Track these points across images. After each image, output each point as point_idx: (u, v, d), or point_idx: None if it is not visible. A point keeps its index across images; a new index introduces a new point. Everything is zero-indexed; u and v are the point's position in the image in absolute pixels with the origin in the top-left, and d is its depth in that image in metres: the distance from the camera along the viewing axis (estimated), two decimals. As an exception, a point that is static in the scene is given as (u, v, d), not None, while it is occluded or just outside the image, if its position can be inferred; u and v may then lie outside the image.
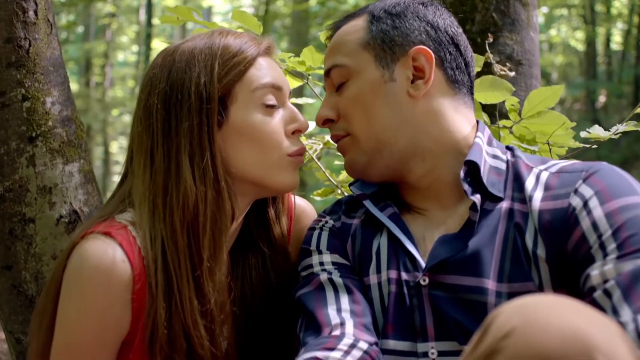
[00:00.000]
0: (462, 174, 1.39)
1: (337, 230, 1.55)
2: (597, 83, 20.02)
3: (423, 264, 1.38)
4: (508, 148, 1.50)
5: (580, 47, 21.24)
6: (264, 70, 1.49)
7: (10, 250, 1.80)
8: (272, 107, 1.48)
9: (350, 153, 1.49)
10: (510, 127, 1.93)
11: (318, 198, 2.25)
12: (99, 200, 1.94)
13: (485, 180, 1.39)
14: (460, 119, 1.46)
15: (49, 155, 1.81)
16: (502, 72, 1.95)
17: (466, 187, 1.38)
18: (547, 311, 0.91)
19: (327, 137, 2.15)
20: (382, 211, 1.47)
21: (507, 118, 1.98)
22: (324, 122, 1.51)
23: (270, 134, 1.47)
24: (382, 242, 1.46)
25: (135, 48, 21.77)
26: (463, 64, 1.49)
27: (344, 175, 2.21)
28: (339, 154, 1.54)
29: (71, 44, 19.91)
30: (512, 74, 1.96)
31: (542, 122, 1.87)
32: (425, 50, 1.43)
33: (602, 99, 20.39)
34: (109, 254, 1.34)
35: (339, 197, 2.16)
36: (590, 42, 19.78)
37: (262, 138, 1.46)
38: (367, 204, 1.49)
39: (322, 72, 2.09)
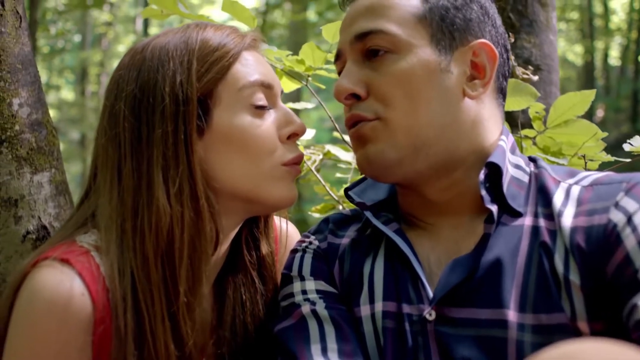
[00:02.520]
0: (481, 176, 1.21)
1: (323, 252, 1.37)
2: (595, 97, 20.11)
3: (430, 294, 1.19)
4: (531, 159, 1.33)
5: (579, 61, 21.36)
6: (251, 66, 1.31)
7: (-31, 270, 1.73)
8: (262, 108, 1.30)
9: (377, 143, 1.24)
10: (534, 138, 1.75)
11: (317, 215, 2.06)
12: None
13: (505, 190, 1.22)
14: (496, 130, 1.30)
15: (15, 164, 1.67)
16: (525, 76, 1.77)
17: (484, 192, 1.20)
18: None
19: (328, 147, 1.98)
20: (386, 226, 1.29)
21: (527, 128, 1.80)
22: (347, 98, 1.27)
23: (261, 139, 1.28)
24: (377, 265, 1.28)
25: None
26: (508, 72, 1.34)
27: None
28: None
29: (68, 52, 19.97)
30: (536, 77, 1.78)
31: (569, 132, 1.70)
32: (490, 47, 1.25)
33: (600, 113, 20.51)
34: (65, 286, 1.15)
35: (341, 213, 1.98)
36: (588, 57, 19.90)
37: (251, 145, 1.27)
38: (369, 215, 1.31)
39: (323, 72, 1.93)
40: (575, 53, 21.34)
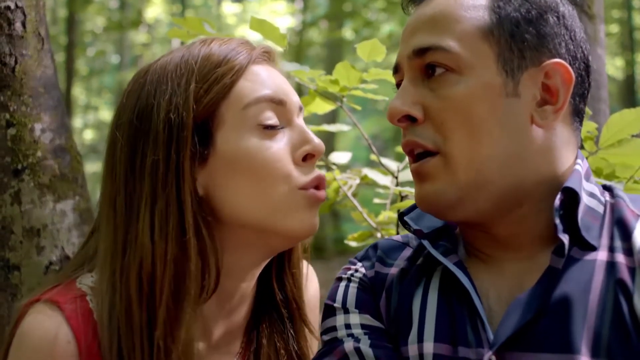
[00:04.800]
0: (556, 202, 1.08)
1: (369, 282, 1.26)
2: (637, 112, 19.86)
3: (491, 336, 1.07)
4: (605, 187, 1.20)
5: (620, 75, 21.09)
6: (259, 82, 1.20)
7: (-9, 303, 1.63)
8: (272, 127, 1.19)
9: (436, 182, 1.12)
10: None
11: (354, 243, 1.96)
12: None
13: (579, 220, 1.09)
14: (571, 156, 1.17)
15: (37, 192, 1.66)
16: (574, 93, 1.65)
17: (558, 221, 1.07)
18: None
19: (365, 171, 1.88)
20: (445, 257, 1.17)
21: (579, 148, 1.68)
22: (400, 120, 1.14)
23: (271, 163, 1.16)
24: (429, 299, 1.16)
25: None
26: (587, 91, 1.20)
27: (384, 215, 1.92)
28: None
29: (106, 73, 20.23)
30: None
31: (624, 153, 1.58)
32: (566, 68, 1.12)
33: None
34: (50, 333, 1.11)
35: (379, 241, 1.88)
36: (629, 70, 19.63)
37: (260, 169, 1.16)
38: (427, 245, 1.19)
39: (359, 92, 1.84)
40: (615, 67, 21.07)
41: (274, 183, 1.16)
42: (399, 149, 1.29)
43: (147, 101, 1.17)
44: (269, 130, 1.18)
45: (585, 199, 1.11)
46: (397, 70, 1.18)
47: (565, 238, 1.05)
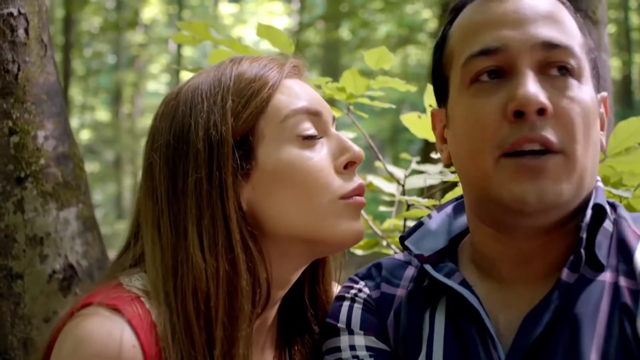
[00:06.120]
0: (587, 218, 1.08)
1: (374, 303, 1.25)
2: (632, 112, 19.88)
3: (502, 356, 1.06)
4: (609, 204, 1.18)
5: (616, 75, 21.13)
6: (294, 94, 1.22)
7: (-6, 312, 1.63)
8: (311, 138, 1.20)
9: (557, 182, 1.06)
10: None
11: (359, 252, 1.95)
12: (101, 251, 1.78)
13: (597, 238, 1.09)
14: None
15: (40, 199, 1.66)
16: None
17: (584, 235, 1.06)
18: None
19: (369, 178, 1.86)
20: (449, 277, 1.16)
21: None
22: (535, 112, 1.06)
23: (314, 172, 1.18)
24: (437, 322, 1.15)
25: (166, 77, 21.99)
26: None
27: (389, 223, 1.91)
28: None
29: (103, 73, 20.24)
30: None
31: (631, 160, 1.57)
32: (607, 102, 1.18)
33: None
34: (115, 337, 1.06)
35: (385, 250, 1.87)
36: (626, 70, 19.69)
37: (303, 180, 1.17)
38: (428, 268, 1.18)
39: (365, 100, 1.83)
40: (612, 67, 21.16)
41: (317, 193, 1.17)
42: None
43: (183, 121, 1.17)
44: (309, 140, 1.19)
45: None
46: (497, 51, 1.09)
47: (582, 255, 1.05)
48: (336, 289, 1.37)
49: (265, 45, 1.76)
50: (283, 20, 18.50)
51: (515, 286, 1.14)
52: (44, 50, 1.67)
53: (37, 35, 1.65)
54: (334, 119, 1.28)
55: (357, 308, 1.25)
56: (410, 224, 1.91)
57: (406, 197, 1.68)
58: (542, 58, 1.07)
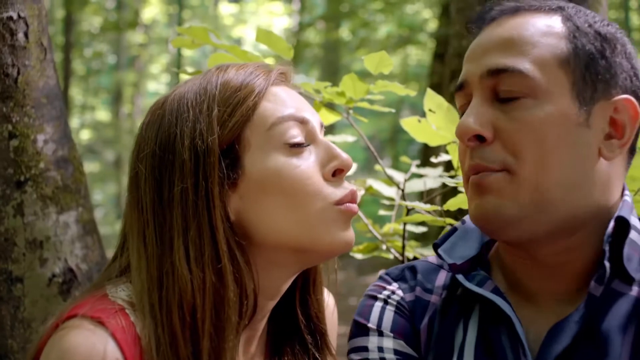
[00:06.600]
0: (609, 230, 1.08)
1: (408, 307, 1.25)
2: None
3: None
4: None
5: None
6: (280, 102, 1.20)
7: (-6, 315, 1.64)
8: (298, 145, 1.18)
9: (499, 197, 1.11)
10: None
11: (359, 255, 1.95)
12: (101, 255, 1.79)
13: (625, 250, 1.09)
14: (620, 187, 1.17)
15: (40, 203, 1.67)
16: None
17: (607, 248, 1.07)
18: None
19: (369, 182, 1.86)
20: (481, 286, 1.16)
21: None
22: (470, 139, 1.13)
23: (302, 180, 1.16)
24: (469, 330, 1.16)
25: (166, 78, 22.00)
26: None
27: (389, 227, 1.91)
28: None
29: (103, 73, 20.27)
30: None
31: (634, 165, 1.56)
32: (634, 105, 1.12)
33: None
34: (98, 351, 1.05)
35: (384, 254, 1.86)
36: None
37: (292, 188, 1.15)
38: (461, 279, 1.18)
39: (365, 104, 1.83)
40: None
41: (306, 200, 1.15)
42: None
43: (169, 130, 1.16)
44: (296, 148, 1.17)
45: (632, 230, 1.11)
46: (461, 87, 1.18)
47: (608, 266, 1.05)
48: (327, 295, 1.36)
49: (265, 46, 1.76)
50: (283, 20, 18.50)
51: (544, 300, 1.14)
52: (43, 53, 1.68)
53: (36, 38, 1.66)
54: (322, 125, 1.26)
55: (390, 310, 1.24)
56: (410, 228, 1.91)
57: (406, 202, 1.68)
58: (491, 85, 1.11)
